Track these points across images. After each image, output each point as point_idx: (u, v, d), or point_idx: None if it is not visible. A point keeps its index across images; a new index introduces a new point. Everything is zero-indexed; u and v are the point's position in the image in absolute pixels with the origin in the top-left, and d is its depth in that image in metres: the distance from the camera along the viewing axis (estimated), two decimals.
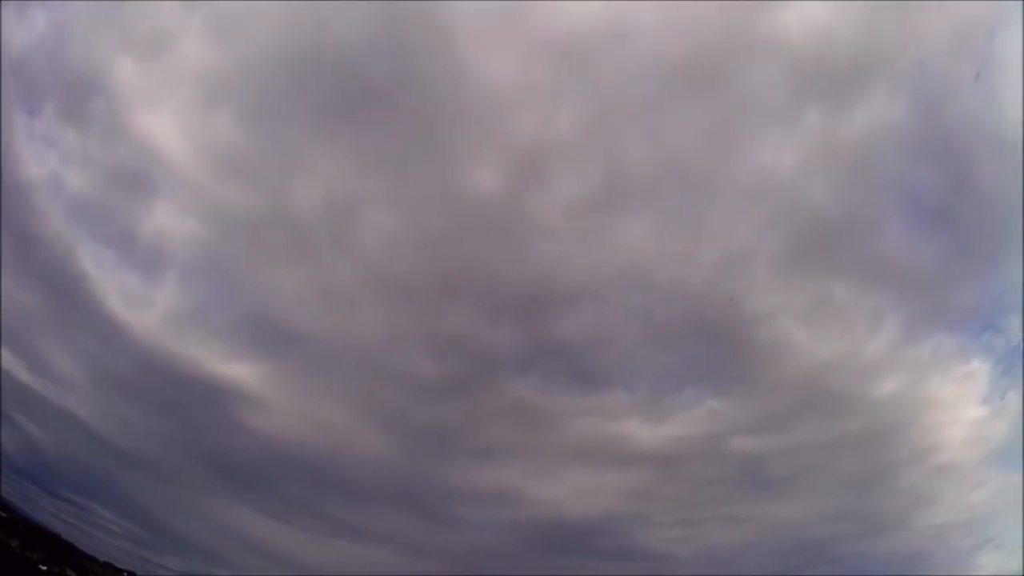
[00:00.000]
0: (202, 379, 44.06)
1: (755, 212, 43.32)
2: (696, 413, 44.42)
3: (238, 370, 47.01)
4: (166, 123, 47.13)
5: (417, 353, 46.99)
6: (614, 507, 45.10)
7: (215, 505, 44.47)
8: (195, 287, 47.96)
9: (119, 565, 35.70)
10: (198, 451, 46.10)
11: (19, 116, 47.15)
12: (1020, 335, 35.30)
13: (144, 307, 48.20)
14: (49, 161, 47.21)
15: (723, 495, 42.97)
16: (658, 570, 42.75)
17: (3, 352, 41.13)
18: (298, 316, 46.66)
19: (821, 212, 41.03)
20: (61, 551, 20.49)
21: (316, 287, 46.90)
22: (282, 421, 45.34)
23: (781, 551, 40.48)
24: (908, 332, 39.02)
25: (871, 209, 39.81)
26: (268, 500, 47.63)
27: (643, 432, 44.25)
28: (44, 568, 15.05)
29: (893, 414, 35.04)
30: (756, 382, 42.77)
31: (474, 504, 46.69)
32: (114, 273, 47.67)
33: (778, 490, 40.62)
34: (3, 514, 23.76)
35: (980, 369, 35.32)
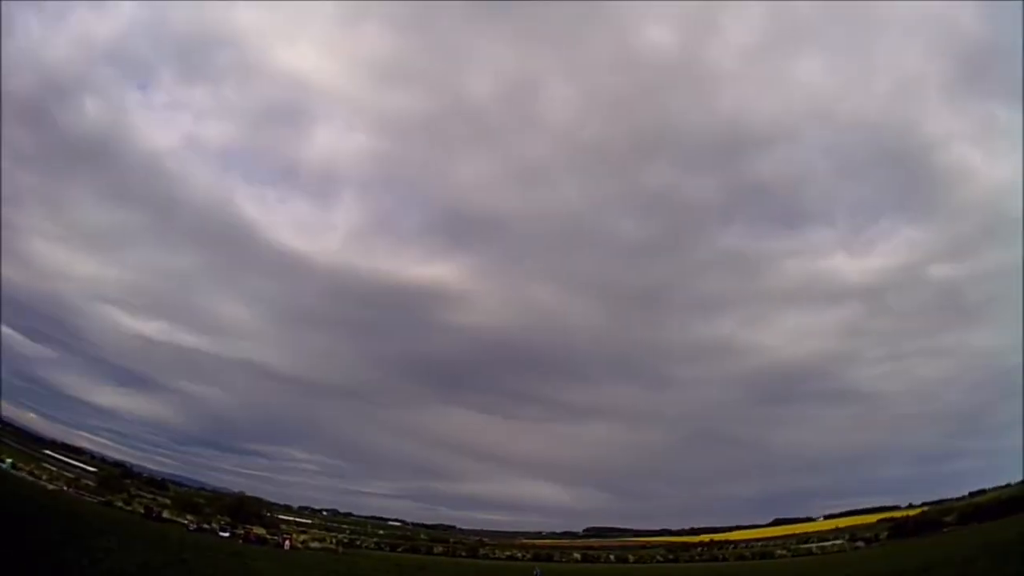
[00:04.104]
0: (396, 288, 43.51)
1: (919, 39, 36.96)
2: (895, 242, 40.69)
3: (435, 270, 46.13)
4: (307, 53, 44.19)
5: (618, 216, 44.71)
6: (827, 347, 43.21)
7: (420, 416, 45.53)
8: (376, 199, 46.55)
9: (317, 506, 34.10)
10: (399, 364, 46.67)
11: (130, 94, 46.36)
12: None
13: (322, 232, 47.75)
14: (179, 126, 46.64)
15: (927, 325, 39.59)
16: (870, 409, 40.80)
17: (162, 324, 42.23)
18: (492, 202, 44.78)
19: (976, 35, 34.55)
20: (245, 509, 20.13)
21: (507, 170, 44.41)
22: (488, 313, 44.87)
23: (980, 382, 37.46)
24: None
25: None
26: (479, 397, 48.24)
27: (849, 266, 41.23)
28: (226, 534, 15.25)
29: None
30: (943, 207, 38.31)
31: (691, 361, 45.69)
32: (281, 209, 47.24)
33: (977, 317, 36.79)
34: (171, 492, 23.80)
35: None
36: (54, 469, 21.33)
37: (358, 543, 23.64)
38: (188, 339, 44.18)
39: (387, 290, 41.67)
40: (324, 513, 34.55)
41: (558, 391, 45.67)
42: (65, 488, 17.08)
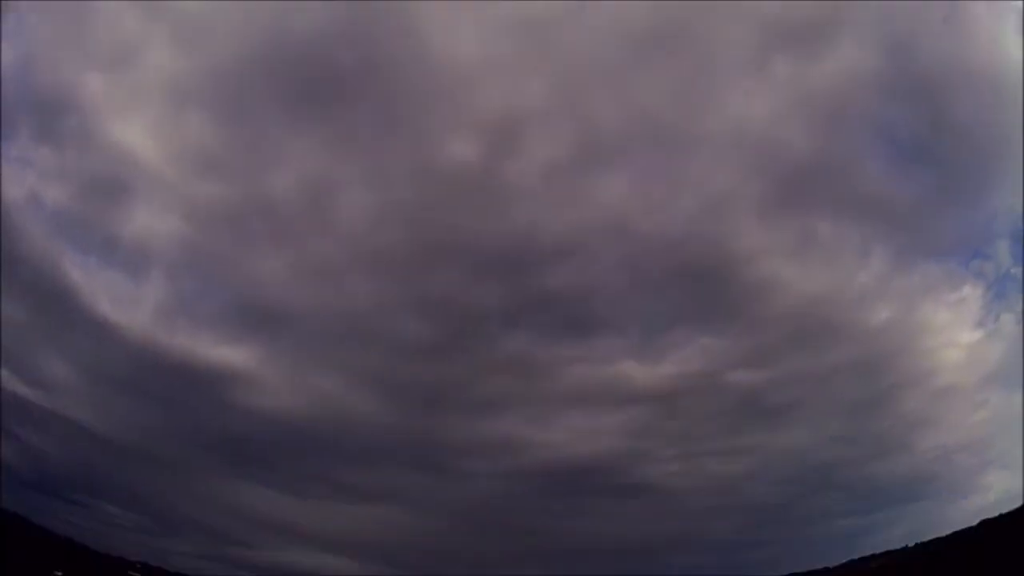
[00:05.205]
0: (196, 367, 43.64)
1: (731, 160, 43.02)
2: (689, 351, 44.29)
3: (231, 354, 46.43)
4: (139, 131, 45.78)
5: (407, 318, 46.75)
6: (615, 446, 45.48)
7: (220, 486, 44.37)
8: (181, 281, 47.10)
9: (131, 558, 36.48)
10: (199, 437, 45.92)
11: None
12: (1009, 260, 35.25)
13: (133, 306, 47.20)
14: (27, 180, 46.00)
15: (723, 427, 43.29)
16: (661, 504, 43.95)
17: (2, 370, 40.70)
18: (286, 296, 45.89)
19: (799, 154, 40.70)
20: (74, 554, 21.08)
21: (302, 267, 46.22)
22: (280, 398, 45.01)
23: (784, 478, 41.23)
24: (896, 262, 38.96)
25: (849, 148, 40.15)
26: (272, 474, 47.41)
27: (639, 372, 44.39)
28: (59, 573, 16.05)
29: (887, 341, 35.12)
30: (748, 318, 42.65)
31: (476, 456, 46.78)
32: (100, 277, 46.48)
33: (778, 419, 40.79)
34: (14, 526, 24.67)
35: (971, 294, 35.30)
36: None
37: None
38: (22, 389, 42.30)
39: (187, 367, 43.14)
40: (138, 566, 34.57)
41: (345, 474, 47.15)
42: None
